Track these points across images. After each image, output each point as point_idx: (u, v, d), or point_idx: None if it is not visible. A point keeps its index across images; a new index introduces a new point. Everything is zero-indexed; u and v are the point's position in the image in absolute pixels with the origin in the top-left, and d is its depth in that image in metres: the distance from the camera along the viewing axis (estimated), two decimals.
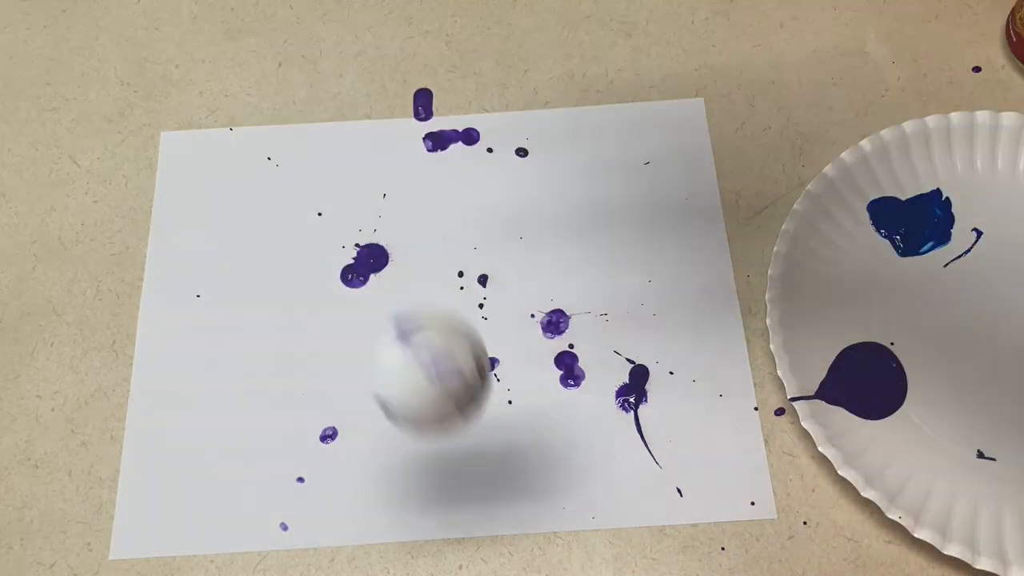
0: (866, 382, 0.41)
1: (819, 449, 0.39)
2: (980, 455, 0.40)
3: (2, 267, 0.47)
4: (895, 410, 0.41)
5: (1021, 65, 0.49)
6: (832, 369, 0.41)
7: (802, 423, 0.39)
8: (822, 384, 0.41)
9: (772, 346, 0.41)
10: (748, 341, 0.43)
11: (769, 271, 0.43)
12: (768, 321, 0.42)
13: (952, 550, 0.37)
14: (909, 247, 0.44)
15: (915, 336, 0.42)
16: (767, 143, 0.48)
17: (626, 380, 0.43)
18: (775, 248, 0.43)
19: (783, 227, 0.43)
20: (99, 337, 0.45)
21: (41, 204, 0.48)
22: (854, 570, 0.39)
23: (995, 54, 0.50)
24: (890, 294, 0.43)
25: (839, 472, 0.39)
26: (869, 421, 0.40)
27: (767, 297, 0.42)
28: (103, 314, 0.45)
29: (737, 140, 0.48)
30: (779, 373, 0.40)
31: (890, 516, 0.38)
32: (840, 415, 0.40)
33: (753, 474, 0.41)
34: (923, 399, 0.41)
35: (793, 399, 0.40)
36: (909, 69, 0.50)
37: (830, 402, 0.41)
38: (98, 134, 0.50)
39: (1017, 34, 0.48)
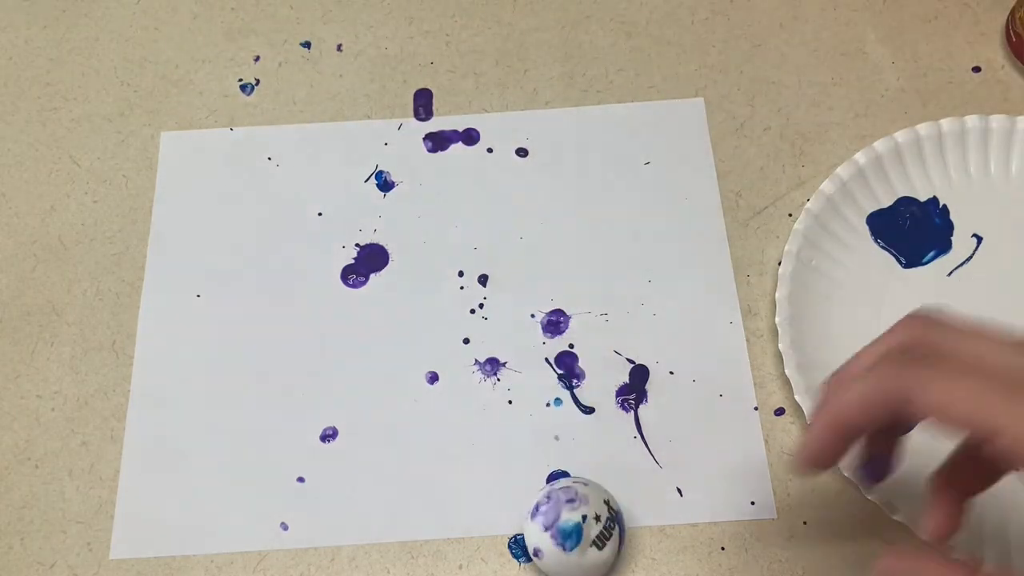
0: None
1: (845, 475, 0.39)
2: None
3: (2, 267, 0.47)
4: (913, 426, 0.40)
5: (1021, 65, 0.49)
6: None
7: None
8: None
9: (781, 346, 0.41)
10: (748, 341, 0.43)
11: (780, 270, 0.43)
12: (777, 319, 0.41)
13: (989, 568, 0.36)
14: (912, 258, 0.44)
15: None
16: (767, 143, 0.48)
17: (626, 380, 0.43)
18: (786, 247, 0.43)
19: (795, 226, 0.43)
20: (99, 337, 0.45)
21: (41, 204, 0.48)
22: (854, 570, 0.39)
23: (995, 54, 0.50)
24: (898, 307, 0.43)
25: (867, 497, 0.38)
26: None
27: (776, 296, 0.42)
28: (103, 314, 0.45)
29: (737, 140, 0.48)
30: (796, 399, 0.40)
31: (923, 538, 0.37)
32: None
33: (753, 474, 0.41)
34: None
35: None
36: (909, 69, 0.50)
37: None
38: (98, 134, 0.50)
39: (1017, 34, 0.48)
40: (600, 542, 0.36)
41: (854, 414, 0.26)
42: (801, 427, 0.42)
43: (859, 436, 0.27)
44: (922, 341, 0.27)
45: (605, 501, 0.37)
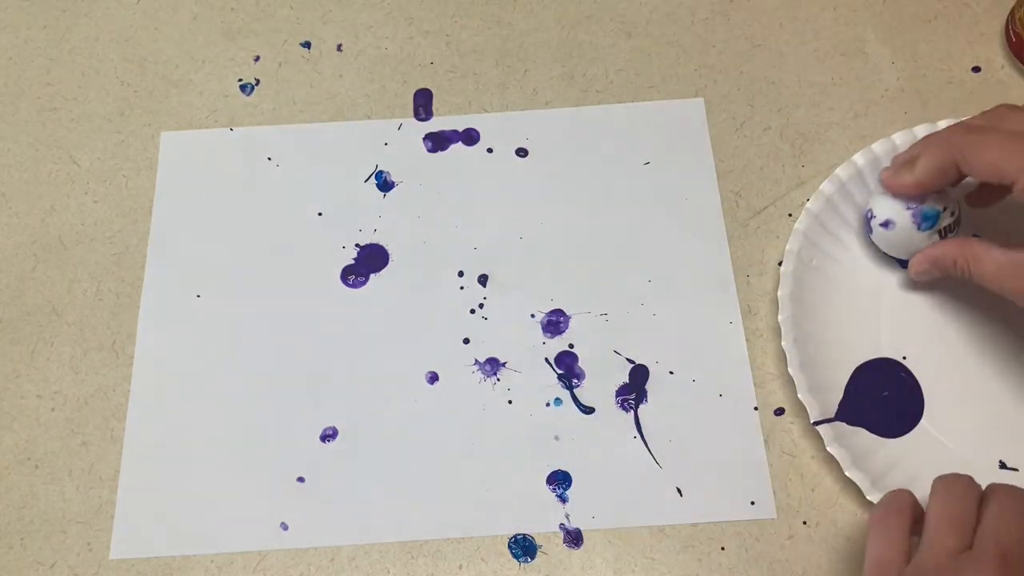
0: (883, 399, 0.41)
1: (846, 474, 0.39)
2: (1003, 466, 0.40)
3: (2, 267, 0.47)
4: (914, 426, 0.41)
5: (1021, 65, 0.49)
6: (848, 389, 0.41)
7: (827, 448, 0.39)
8: (841, 405, 0.41)
9: (784, 343, 0.41)
10: (748, 341, 0.43)
11: (781, 269, 0.43)
12: (780, 317, 0.42)
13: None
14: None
15: (926, 348, 0.42)
16: (767, 143, 0.48)
17: (626, 380, 0.43)
18: (787, 246, 0.43)
19: (795, 225, 0.43)
20: (99, 337, 0.45)
21: (41, 204, 0.48)
22: (854, 570, 0.39)
23: (995, 54, 0.50)
24: (897, 306, 0.43)
25: (866, 496, 0.38)
26: (890, 440, 0.40)
27: (779, 294, 0.42)
28: (103, 314, 0.45)
29: (737, 140, 0.48)
30: (799, 396, 0.40)
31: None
32: (861, 436, 0.40)
33: (753, 474, 0.41)
34: (940, 412, 0.41)
35: (816, 423, 0.40)
36: (909, 69, 0.50)
37: (850, 423, 0.40)
38: (98, 134, 0.50)
39: (1017, 34, 0.48)
40: (944, 233, 0.40)
41: (929, 178, 0.39)
42: (802, 427, 0.42)
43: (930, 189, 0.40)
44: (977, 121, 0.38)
45: (958, 202, 0.41)
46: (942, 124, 0.45)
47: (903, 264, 0.44)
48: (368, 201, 0.48)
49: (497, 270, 0.46)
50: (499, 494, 0.41)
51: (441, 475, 0.41)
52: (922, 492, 0.38)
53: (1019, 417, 0.41)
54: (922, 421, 0.41)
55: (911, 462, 0.40)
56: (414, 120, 0.50)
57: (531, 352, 0.44)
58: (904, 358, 0.42)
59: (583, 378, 0.43)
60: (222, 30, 0.53)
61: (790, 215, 0.46)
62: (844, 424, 0.40)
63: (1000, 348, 0.42)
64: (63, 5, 0.54)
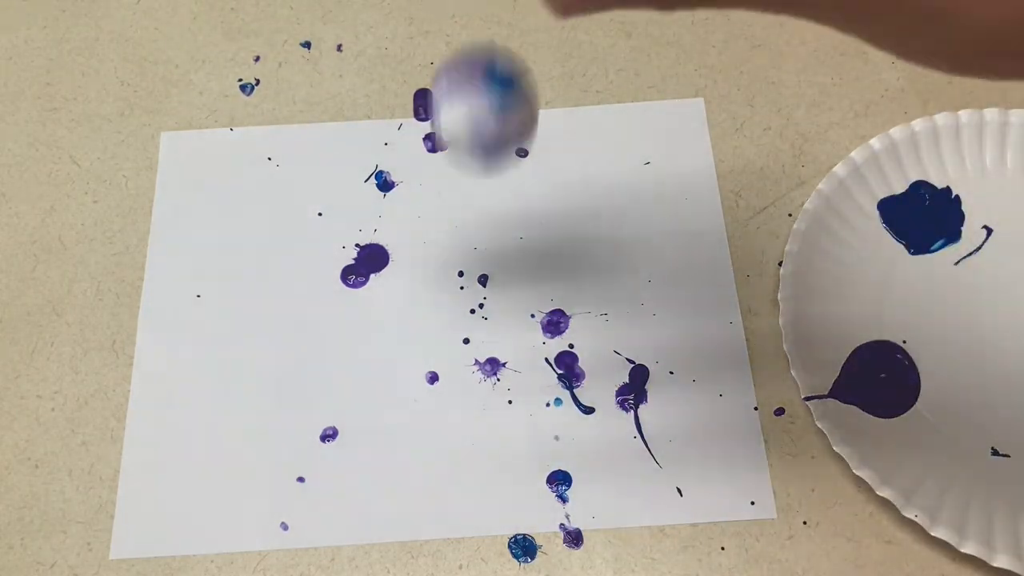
0: (879, 380, 0.41)
1: (834, 449, 0.39)
2: (995, 452, 0.40)
3: (2, 267, 0.47)
4: (908, 408, 0.41)
5: None
6: (845, 368, 0.41)
7: (816, 423, 0.39)
8: (835, 383, 0.41)
9: (785, 345, 0.41)
10: (748, 341, 0.43)
11: (781, 270, 0.43)
12: (781, 320, 0.42)
13: (969, 548, 0.37)
14: (919, 245, 0.44)
15: (927, 334, 0.42)
16: (767, 143, 0.48)
17: (626, 380, 0.43)
18: (786, 247, 0.43)
19: (794, 226, 0.43)
20: (99, 337, 0.45)
21: (41, 204, 0.48)
22: (854, 570, 0.39)
23: None
24: (901, 292, 0.43)
25: (855, 471, 0.39)
26: (883, 420, 0.40)
27: (779, 296, 0.42)
28: (103, 314, 0.45)
29: (737, 140, 0.48)
30: (792, 373, 0.40)
31: (906, 515, 0.38)
32: (854, 414, 0.40)
33: (753, 474, 0.41)
34: (936, 397, 0.41)
35: (807, 398, 0.40)
36: (909, 69, 0.50)
37: (844, 401, 0.41)
38: (98, 134, 0.50)
39: None
40: None
41: None
42: (802, 427, 0.42)
43: None
44: None
45: None
46: (939, 119, 0.45)
47: (911, 250, 0.44)
48: (368, 201, 0.48)
49: (497, 270, 0.46)
50: (499, 494, 0.41)
51: (441, 475, 0.42)
52: (910, 474, 0.39)
53: (1013, 406, 0.41)
54: (916, 404, 0.41)
55: (902, 442, 0.40)
56: (414, 120, 0.50)
57: (531, 352, 0.44)
58: (904, 342, 0.42)
59: (583, 378, 0.43)
60: (222, 30, 0.53)
61: (790, 215, 0.46)
62: (837, 402, 0.40)
63: (1000, 338, 0.42)
64: (63, 5, 0.54)
